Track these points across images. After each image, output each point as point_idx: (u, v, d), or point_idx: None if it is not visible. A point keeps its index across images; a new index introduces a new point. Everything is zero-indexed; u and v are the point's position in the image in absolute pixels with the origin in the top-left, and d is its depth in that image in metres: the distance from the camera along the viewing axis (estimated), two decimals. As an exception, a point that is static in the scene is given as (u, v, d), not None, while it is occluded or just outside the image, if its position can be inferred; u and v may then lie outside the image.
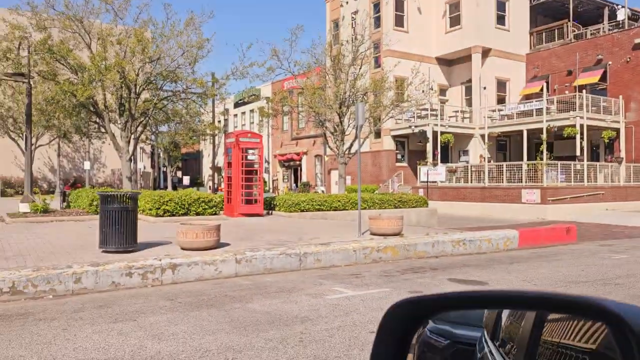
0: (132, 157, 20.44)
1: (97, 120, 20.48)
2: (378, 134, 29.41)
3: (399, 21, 30.27)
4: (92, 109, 19.45)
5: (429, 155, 27.50)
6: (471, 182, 25.51)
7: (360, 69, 20.59)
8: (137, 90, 19.25)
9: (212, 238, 9.06)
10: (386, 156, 30.15)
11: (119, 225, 8.45)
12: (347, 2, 31.42)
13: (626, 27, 29.19)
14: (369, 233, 11.64)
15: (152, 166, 48.25)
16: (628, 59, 26.98)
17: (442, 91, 32.21)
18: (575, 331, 0.90)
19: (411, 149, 30.59)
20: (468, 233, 11.96)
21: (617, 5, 30.83)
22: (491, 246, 11.57)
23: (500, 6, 30.19)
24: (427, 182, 26.32)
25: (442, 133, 27.30)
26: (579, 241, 13.21)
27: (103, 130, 21.09)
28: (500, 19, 30.24)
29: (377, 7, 30.57)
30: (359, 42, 20.71)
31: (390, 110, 21.36)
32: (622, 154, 26.47)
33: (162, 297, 6.71)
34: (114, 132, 19.55)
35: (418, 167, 27.79)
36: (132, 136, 19.91)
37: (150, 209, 14.84)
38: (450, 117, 29.41)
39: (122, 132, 19.48)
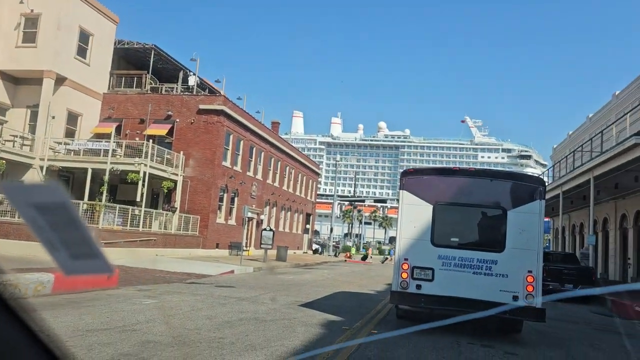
0: None
1: None
2: None
3: (-44, 16, 25.05)
4: None
5: (-30, 180, 22.97)
6: (18, 218, 22.47)
7: None
8: None
9: None
10: None
11: None
12: None
13: (194, 93, 32.85)
14: None
15: None
16: (192, 121, 30.17)
17: (2, 110, 28.06)
18: None
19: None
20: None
21: (190, 71, 34.50)
22: (18, 292, 9.98)
23: (84, 38, 29.08)
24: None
25: (-8, 157, 23.40)
26: (120, 286, 13.01)
27: None
28: (82, 51, 29.05)
29: None
30: None
31: None
32: (177, 205, 28.82)
33: None
34: None
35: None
36: None
37: None
38: (7, 141, 25.67)
39: None
